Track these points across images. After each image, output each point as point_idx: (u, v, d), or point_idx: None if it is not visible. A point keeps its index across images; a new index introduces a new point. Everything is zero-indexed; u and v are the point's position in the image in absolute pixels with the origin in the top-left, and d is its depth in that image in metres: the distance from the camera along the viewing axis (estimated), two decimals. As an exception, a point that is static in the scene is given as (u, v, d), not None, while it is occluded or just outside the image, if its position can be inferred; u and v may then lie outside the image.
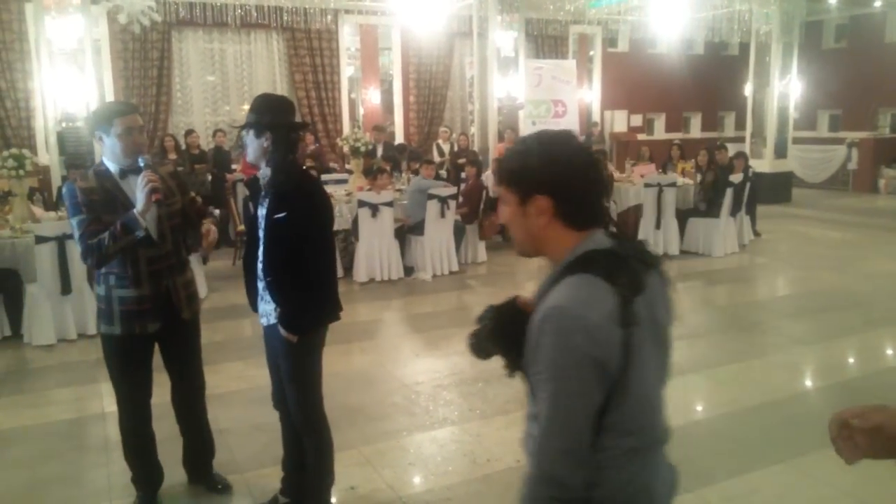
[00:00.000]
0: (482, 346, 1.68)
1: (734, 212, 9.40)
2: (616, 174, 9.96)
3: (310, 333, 3.08)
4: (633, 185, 9.53)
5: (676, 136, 16.13)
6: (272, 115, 2.95)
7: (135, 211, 3.01)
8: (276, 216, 2.93)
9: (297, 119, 3.15)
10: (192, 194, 3.50)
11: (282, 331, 3.00)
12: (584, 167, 1.50)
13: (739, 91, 15.64)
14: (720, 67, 17.27)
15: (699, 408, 4.76)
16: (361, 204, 7.85)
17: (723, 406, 4.71)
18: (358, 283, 7.95)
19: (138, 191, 3.03)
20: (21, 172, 6.45)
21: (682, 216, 9.38)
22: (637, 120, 16.74)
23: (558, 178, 1.48)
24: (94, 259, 3.03)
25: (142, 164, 3.07)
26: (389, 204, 8.02)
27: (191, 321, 3.39)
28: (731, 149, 10.67)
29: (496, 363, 1.68)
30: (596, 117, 16.03)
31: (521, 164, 1.52)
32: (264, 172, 3.00)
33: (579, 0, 13.34)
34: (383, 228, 8.02)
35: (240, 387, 4.99)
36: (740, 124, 16.60)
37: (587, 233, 1.52)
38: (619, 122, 16.46)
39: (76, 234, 3.07)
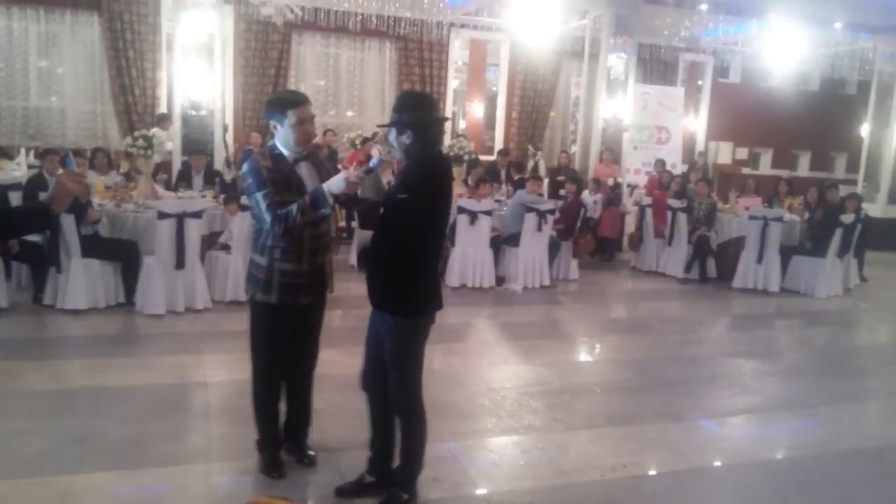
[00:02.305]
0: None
1: (841, 253, 9.02)
2: (719, 204, 9.74)
3: (414, 319, 3.18)
4: (736, 217, 9.31)
5: (783, 172, 15.59)
6: (413, 113, 3.06)
7: (325, 188, 3.12)
8: (399, 196, 3.03)
9: (438, 114, 3.23)
10: None
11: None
12: None
13: (854, 132, 14.95)
14: (835, 106, 16.57)
15: (788, 445, 4.60)
16: (461, 210, 7.97)
17: (812, 446, 4.53)
18: (450, 288, 8.03)
19: (340, 176, 3.11)
20: (149, 152, 6.90)
21: (786, 253, 9.07)
22: (742, 153, 16.26)
23: None
24: (281, 227, 3.17)
25: (374, 165, 3.19)
26: (488, 213, 8.12)
27: (325, 297, 3.59)
28: (842, 190, 10.23)
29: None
30: (701, 147, 15.73)
31: None
32: (406, 166, 3.11)
33: (695, 27, 13.14)
34: (480, 236, 8.11)
35: (332, 372, 5.10)
36: (852, 166, 15.89)
37: None
38: (724, 153, 16.03)
39: (261, 206, 3.19)
